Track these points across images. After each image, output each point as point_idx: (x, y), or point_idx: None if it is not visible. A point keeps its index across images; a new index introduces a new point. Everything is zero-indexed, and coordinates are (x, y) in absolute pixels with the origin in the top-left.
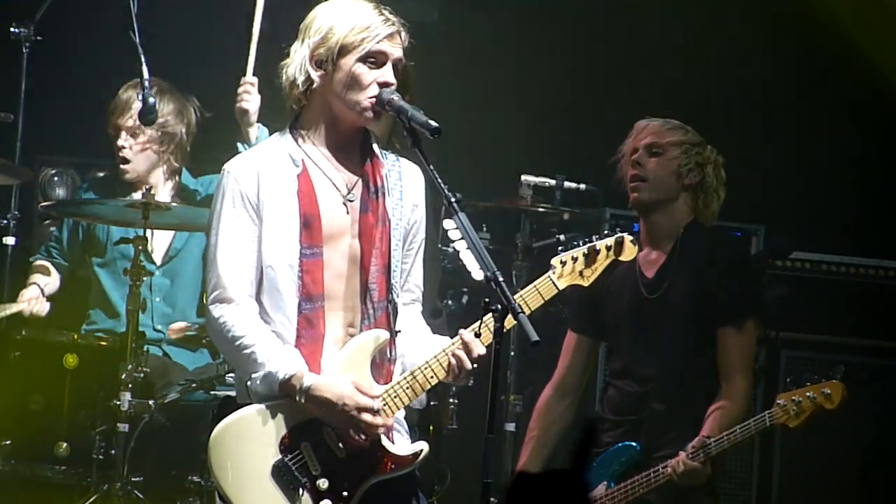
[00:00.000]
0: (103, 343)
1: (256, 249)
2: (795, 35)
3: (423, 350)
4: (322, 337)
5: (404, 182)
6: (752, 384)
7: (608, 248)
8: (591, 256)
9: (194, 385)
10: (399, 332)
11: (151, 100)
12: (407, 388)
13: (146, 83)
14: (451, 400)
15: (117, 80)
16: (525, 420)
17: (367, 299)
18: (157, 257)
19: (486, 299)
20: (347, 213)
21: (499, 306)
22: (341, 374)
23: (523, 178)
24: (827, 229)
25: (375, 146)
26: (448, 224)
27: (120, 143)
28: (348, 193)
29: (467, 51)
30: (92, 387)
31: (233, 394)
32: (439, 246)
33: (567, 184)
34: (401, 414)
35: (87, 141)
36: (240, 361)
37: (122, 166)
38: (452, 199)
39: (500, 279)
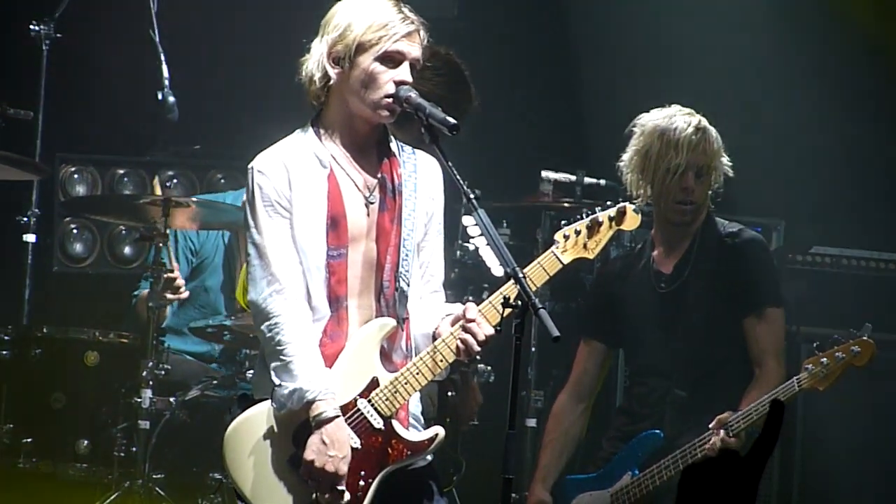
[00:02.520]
0: (124, 340)
1: (296, 248)
2: (817, 29)
3: (433, 321)
4: (345, 336)
5: (419, 174)
6: (784, 368)
7: (611, 219)
8: (593, 228)
9: (215, 382)
10: (406, 318)
11: (172, 98)
12: (417, 373)
13: (166, 81)
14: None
15: (137, 78)
16: (546, 415)
17: (381, 297)
18: None
19: (505, 295)
20: (368, 214)
21: (519, 302)
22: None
23: (544, 173)
24: (847, 224)
25: (393, 143)
26: (467, 220)
27: None
28: (370, 195)
29: (487, 46)
30: (113, 384)
31: (249, 391)
32: (459, 241)
33: (588, 179)
34: (417, 408)
35: (107, 138)
36: (276, 365)
37: None
38: (471, 196)
39: (520, 275)
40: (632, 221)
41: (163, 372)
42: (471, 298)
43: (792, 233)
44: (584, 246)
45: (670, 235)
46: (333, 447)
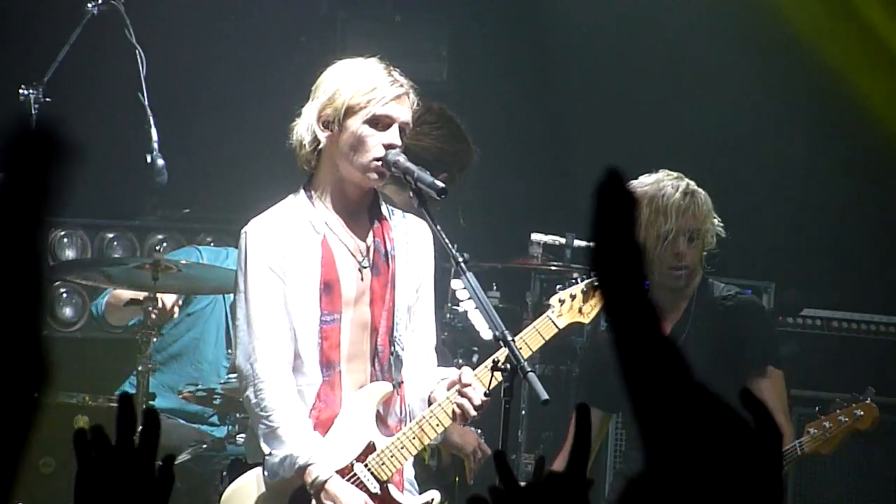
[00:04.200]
0: (114, 405)
1: (287, 314)
2: (804, 90)
3: (428, 386)
4: (340, 401)
5: (410, 238)
6: (793, 427)
7: None
8: (589, 293)
9: (205, 446)
10: (402, 382)
11: (161, 161)
12: (413, 437)
13: (155, 145)
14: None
15: (125, 141)
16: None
17: (376, 361)
18: None
19: (495, 359)
20: (362, 279)
21: (508, 365)
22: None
23: (533, 236)
24: (837, 286)
25: (384, 207)
26: (456, 284)
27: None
28: (362, 260)
29: (476, 109)
30: None
31: (242, 456)
32: (448, 305)
33: (577, 242)
34: (410, 472)
35: (96, 202)
36: (264, 434)
37: None
38: (460, 259)
39: (509, 338)
40: None
41: None
42: (460, 362)
43: (782, 295)
44: (579, 310)
45: (666, 299)
46: (338, 503)
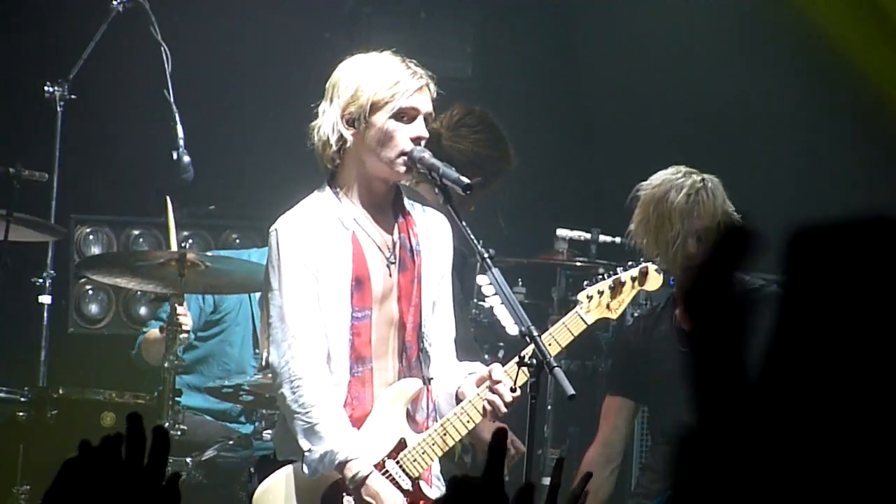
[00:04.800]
0: (140, 401)
1: (320, 310)
2: (835, 84)
3: (454, 381)
4: (371, 398)
5: (432, 233)
6: None
7: (633, 279)
8: (616, 288)
9: (231, 442)
10: (432, 379)
11: (186, 158)
12: (444, 434)
13: (180, 141)
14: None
15: (151, 138)
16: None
17: (403, 357)
18: None
19: (522, 354)
20: (390, 275)
21: (534, 361)
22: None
23: (559, 231)
24: None
25: (406, 201)
26: (482, 279)
27: None
28: (390, 255)
29: (500, 106)
30: None
31: (269, 453)
32: (474, 300)
33: (603, 237)
34: (437, 468)
35: (122, 199)
36: (303, 430)
37: None
38: (486, 255)
39: (535, 334)
40: (654, 282)
41: (178, 433)
42: (487, 357)
43: None
44: (608, 306)
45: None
46: (378, 499)
